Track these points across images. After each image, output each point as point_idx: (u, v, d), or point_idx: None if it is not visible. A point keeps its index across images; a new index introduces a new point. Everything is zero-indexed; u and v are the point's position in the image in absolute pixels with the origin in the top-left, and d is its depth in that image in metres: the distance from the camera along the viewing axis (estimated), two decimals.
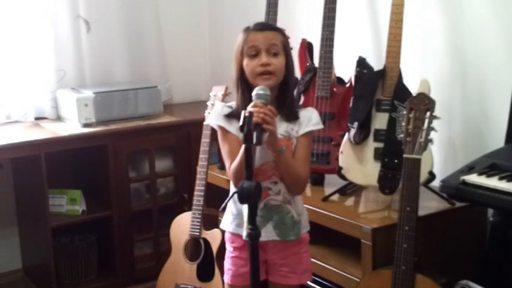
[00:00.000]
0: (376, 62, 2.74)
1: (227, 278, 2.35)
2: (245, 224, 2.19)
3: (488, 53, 2.58)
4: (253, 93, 2.10)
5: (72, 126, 3.45)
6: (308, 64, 2.93)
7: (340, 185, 2.74)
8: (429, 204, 2.55)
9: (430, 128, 2.22)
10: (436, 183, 2.43)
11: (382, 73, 2.59)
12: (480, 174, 2.19)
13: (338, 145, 2.72)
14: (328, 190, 2.78)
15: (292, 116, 2.21)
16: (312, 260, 2.63)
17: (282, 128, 2.20)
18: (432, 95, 2.29)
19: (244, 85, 2.21)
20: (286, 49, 2.21)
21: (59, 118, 3.63)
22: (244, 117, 1.97)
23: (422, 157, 2.20)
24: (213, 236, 2.94)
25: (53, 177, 3.38)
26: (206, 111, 3.08)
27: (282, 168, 2.18)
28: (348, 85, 2.81)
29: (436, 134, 2.27)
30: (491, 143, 2.54)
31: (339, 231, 2.53)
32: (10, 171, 3.64)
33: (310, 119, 2.22)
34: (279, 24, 3.11)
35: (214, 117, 2.27)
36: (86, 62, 3.74)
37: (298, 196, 2.27)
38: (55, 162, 3.41)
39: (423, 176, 2.37)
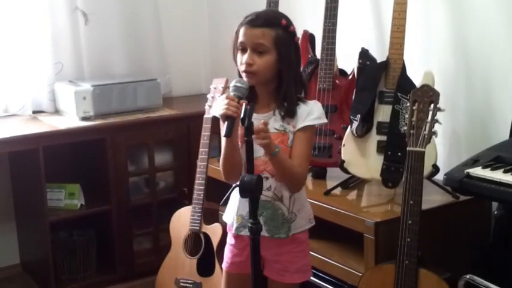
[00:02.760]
0: (379, 54, 2.70)
1: (223, 264, 2.39)
2: (235, 217, 2.27)
3: (493, 44, 2.55)
4: (230, 84, 2.09)
5: (70, 119, 3.42)
6: (310, 56, 2.90)
7: (343, 179, 2.71)
8: (433, 197, 2.52)
9: (434, 121, 2.19)
10: (439, 177, 2.41)
11: (385, 65, 2.56)
12: (485, 167, 2.16)
13: (340, 138, 2.69)
14: (330, 184, 2.75)
15: (289, 112, 2.17)
16: (314, 254, 2.62)
17: (277, 123, 2.18)
18: (436, 87, 2.26)
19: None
20: (280, 45, 2.12)
21: (56, 111, 3.60)
22: (245, 109, 1.95)
23: (426, 150, 2.17)
24: (213, 231, 2.91)
25: (51, 171, 3.35)
26: (206, 104, 3.05)
27: (276, 169, 2.14)
28: (350, 77, 2.78)
29: (440, 127, 2.24)
30: (496, 135, 2.51)
31: (341, 225, 2.50)
32: (7, 165, 3.61)
33: (310, 112, 2.17)
34: None
35: (215, 107, 2.26)
36: (84, 54, 3.70)
37: (298, 194, 2.23)
38: (53, 156, 3.38)
39: (427, 169, 2.34)
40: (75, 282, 3.46)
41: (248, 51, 2.12)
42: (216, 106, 2.25)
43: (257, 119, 2.13)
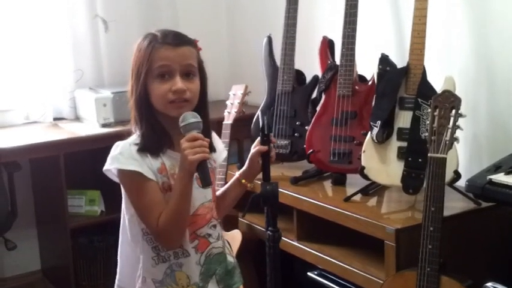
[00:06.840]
0: (399, 59, 2.68)
1: None
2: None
3: None
4: (183, 123, 1.73)
5: (90, 126, 3.44)
6: (329, 62, 2.89)
7: (363, 185, 2.69)
8: (454, 204, 2.49)
9: (456, 126, 2.16)
10: (461, 183, 2.38)
11: (405, 70, 2.54)
12: (507, 173, 2.14)
13: (360, 144, 2.68)
14: (350, 190, 2.73)
15: (212, 146, 1.87)
16: (334, 261, 2.61)
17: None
18: (457, 92, 2.24)
19: (148, 111, 1.79)
20: (201, 65, 1.86)
21: (77, 118, 3.63)
22: (262, 118, 1.91)
23: (447, 156, 2.15)
24: (233, 237, 2.91)
25: (72, 178, 3.37)
26: (225, 110, 3.04)
27: (235, 198, 1.96)
28: (370, 83, 2.76)
29: (461, 132, 2.21)
30: None
31: (362, 232, 2.48)
32: (29, 172, 3.64)
33: (217, 144, 1.97)
34: (300, 21, 3.08)
35: (124, 160, 1.80)
36: (104, 61, 3.73)
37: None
38: (74, 162, 3.40)
39: (448, 175, 2.32)
40: None
41: (177, 75, 1.77)
42: (122, 159, 1.82)
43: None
